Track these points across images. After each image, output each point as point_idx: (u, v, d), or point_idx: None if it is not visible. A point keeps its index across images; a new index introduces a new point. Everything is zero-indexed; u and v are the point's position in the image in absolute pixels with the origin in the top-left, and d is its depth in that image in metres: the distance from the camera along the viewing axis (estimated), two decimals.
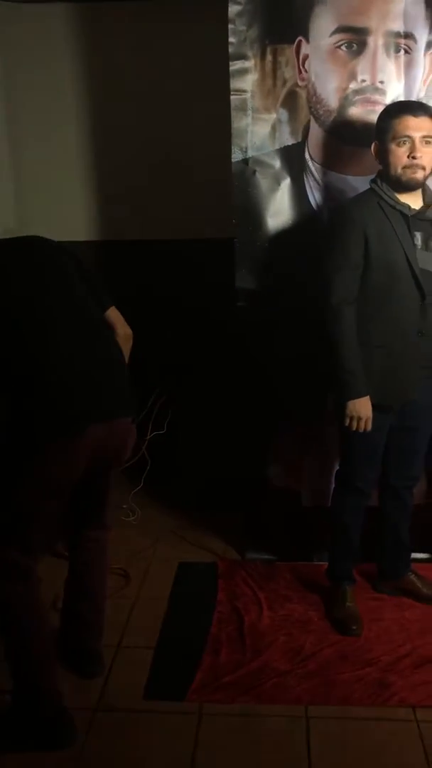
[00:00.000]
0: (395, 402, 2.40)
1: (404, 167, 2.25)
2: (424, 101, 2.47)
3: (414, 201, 2.33)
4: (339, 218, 2.38)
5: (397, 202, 2.31)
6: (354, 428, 2.34)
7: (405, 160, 2.25)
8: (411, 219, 2.31)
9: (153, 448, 3.43)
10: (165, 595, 2.79)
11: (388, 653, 2.41)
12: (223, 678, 2.31)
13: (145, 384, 3.50)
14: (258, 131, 2.65)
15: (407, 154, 2.24)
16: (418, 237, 2.33)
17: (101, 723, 2.15)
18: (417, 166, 2.25)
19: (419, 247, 2.32)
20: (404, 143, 2.24)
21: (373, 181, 2.37)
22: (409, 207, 2.31)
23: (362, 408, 2.32)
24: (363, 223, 2.28)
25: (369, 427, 2.34)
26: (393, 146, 2.26)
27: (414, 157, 2.24)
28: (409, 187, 2.29)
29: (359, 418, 2.33)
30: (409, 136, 2.23)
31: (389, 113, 2.30)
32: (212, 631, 2.55)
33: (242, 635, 2.52)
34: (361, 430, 2.34)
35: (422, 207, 2.34)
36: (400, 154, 2.25)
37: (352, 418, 2.33)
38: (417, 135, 2.23)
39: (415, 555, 2.81)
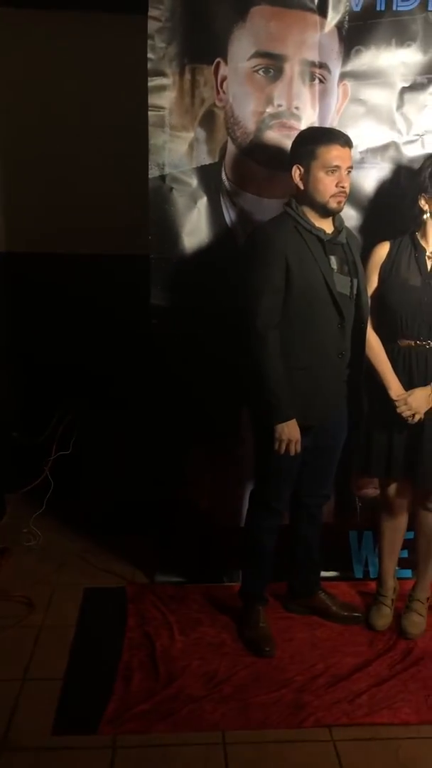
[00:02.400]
0: (316, 422, 2.42)
1: (332, 195, 2.30)
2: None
3: (327, 226, 2.39)
4: (258, 242, 2.37)
5: (313, 226, 2.35)
6: (283, 451, 2.34)
7: (333, 189, 2.29)
8: (326, 243, 2.36)
9: (56, 469, 3.30)
10: (72, 622, 2.67)
11: (301, 673, 2.41)
12: (136, 707, 2.23)
13: (49, 402, 3.40)
14: (175, 149, 2.64)
15: (335, 183, 2.29)
16: (334, 261, 2.37)
17: (7, 764, 2.00)
18: (343, 194, 2.31)
19: (335, 270, 2.37)
20: (333, 172, 2.29)
21: (288, 205, 2.39)
22: (324, 231, 2.36)
23: (291, 431, 2.32)
24: (283, 247, 2.29)
25: (299, 449, 2.35)
26: (322, 174, 2.29)
27: (343, 187, 2.30)
28: (331, 213, 2.35)
29: (288, 441, 2.33)
30: (338, 166, 2.28)
31: (315, 139, 2.32)
32: (123, 658, 2.46)
33: (154, 661, 2.45)
34: (292, 453, 2.34)
35: (334, 231, 2.40)
36: (328, 183, 2.29)
37: (281, 442, 2.33)
38: (344, 165, 2.29)
39: (324, 573, 2.85)
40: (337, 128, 2.56)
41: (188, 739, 2.12)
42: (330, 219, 2.39)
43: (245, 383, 2.44)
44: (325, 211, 2.33)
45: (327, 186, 2.29)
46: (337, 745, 2.12)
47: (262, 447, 2.44)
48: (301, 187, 2.33)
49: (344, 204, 2.35)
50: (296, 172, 2.33)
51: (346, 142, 2.31)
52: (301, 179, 2.33)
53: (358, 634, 2.64)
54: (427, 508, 2.64)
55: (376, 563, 2.86)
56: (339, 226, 2.41)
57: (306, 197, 2.34)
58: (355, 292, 2.42)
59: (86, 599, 2.82)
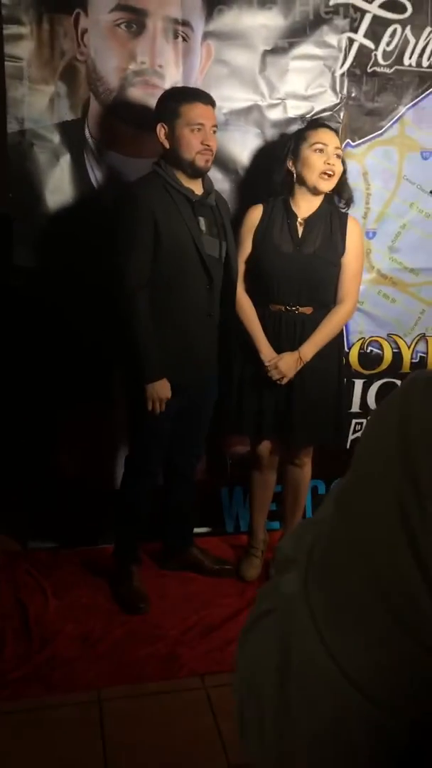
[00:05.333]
0: (188, 381, 2.45)
1: (198, 152, 2.30)
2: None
3: (196, 187, 2.39)
4: (126, 202, 2.35)
5: (182, 186, 2.35)
6: (154, 410, 2.35)
7: (199, 146, 2.30)
8: (195, 204, 2.37)
9: None
10: None
11: (175, 627, 2.48)
12: (9, 674, 2.22)
13: None
14: (35, 103, 2.54)
15: (200, 140, 2.29)
16: (203, 222, 2.39)
17: None
18: (209, 152, 2.32)
19: (204, 232, 2.38)
20: (198, 130, 2.29)
21: (157, 164, 2.38)
22: (192, 192, 2.37)
23: (161, 390, 2.34)
24: (151, 206, 2.28)
25: (164, 408, 2.36)
26: (186, 131, 2.29)
27: (208, 145, 2.30)
28: (199, 172, 2.35)
29: (159, 400, 2.35)
30: (202, 124, 2.29)
31: (177, 97, 2.32)
32: None
33: (28, 627, 2.43)
34: (159, 410, 2.36)
35: (203, 193, 2.41)
36: (193, 140, 2.29)
37: (153, 401, 2.34)
38: (208, 123, 2.30)
39: (196, 529, 2.92)
40: (201, 88, 2.56)
41: (63, 700, 2.14)
42: (199, 180, 2.40)
43: (117, 344, 2.43)
44: (193, 170, 2.34)
45: (191, 144, 2.29)
46: (209, 691, 2.21)
47: (134, 409, 2.45)
48: (167, 145, 2.32)
49: (211, 163, 2.37)
50: (161, 131, 2.32)
51: (208, 100, 2.33)
52: (166, 138, 2.32)
53: (230, 586, 2.74)
54: (295, 464, 2.76)
55: (247, 517, 2.97)
56: (208, 188, 2.42)
57: (173, 156, 2.33)
58: (224, 254, 2.45)
59: None
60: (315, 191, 2.49)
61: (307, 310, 2.55)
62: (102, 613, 2.54)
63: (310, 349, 2.54)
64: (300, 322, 2.55)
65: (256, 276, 2.56)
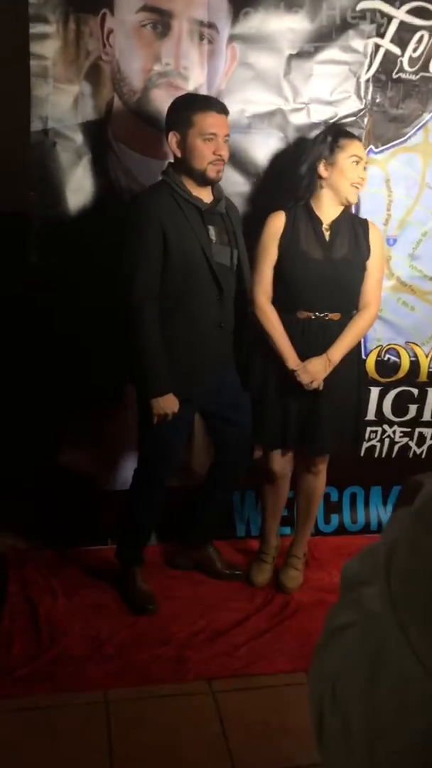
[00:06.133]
0: (196, 393, 2.42)
1: (210, 163, 2.29)
2: (225, 93, 2.55)
3: (205, 195, 2.38)
4: (134, 212, 2.33)
5: (191, 195, 2.33)
6: (160, 423, 2.34)
7: (211, 156, 2.28)
8: (204, 213, 2.35)
9: None
10: None
11: (183, 629, 2.47)
12: (17, 671, 2.22)
13: None
14: (59, 102, 2.54)
15: (212, 150, 2.28)
16: (212, 231, 2.37)
17: None
18: (221, 162, 2.31)
19: (214, 240, 2.37)
20: (210, 140, 2.28)
21: (165, 173, 2.37)
22: (202, 200, 2.35)
23: (167, 404, 2.33)
24: (159, 216, 2.27)
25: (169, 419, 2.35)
26: (199, 141, 2.27)
27: (220, 155, 2.29)
28: (211, 182, 2.34)
29: (165, 414, 2.33)
30: (215, 134, 2.28)
31: (190, 106, 2.30)
32: (4, 624, 2.43)
33: (37, 625, 2.44)
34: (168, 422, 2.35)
35: (213, 201, 2.39)
36: (206, 150, 2.28)
37: (158, 416, 2.33)
38: (221, 133, 2.29)
39: None
40: (225, 91, 2.57)
41: (70, 699, 2.14)
42: (209, 188, 2.39)
43: (128, 351, 2.43)
44: (203, 180, 2.33)
45: (204, 154, 2.28)
46: (216, 696, 2.20)
47: (142, 420, 2.44)
48: (178, 154, 2.32)
49: (222, 173, 2.36)
50: (173, 139, 2.31)
51: (222, 109, 2.31)
52: (178, 146, 2.31)
53: (239, 590, 2.73)
54: (311, 471, 2.74)
55: (258, 522, 2.95)
56: (218, 196, 2.40)
57: (184, 165, 2.32)
58: (235, 262, 2.43)
59: None
60: (345, 201, 2.48)
61: (336, 316, 2.52)
62: (110, 613, 2.54)
63: (338, 352, 2.49)
64: (329, 328, 2.51)
65: (283, 283, 2.51)
